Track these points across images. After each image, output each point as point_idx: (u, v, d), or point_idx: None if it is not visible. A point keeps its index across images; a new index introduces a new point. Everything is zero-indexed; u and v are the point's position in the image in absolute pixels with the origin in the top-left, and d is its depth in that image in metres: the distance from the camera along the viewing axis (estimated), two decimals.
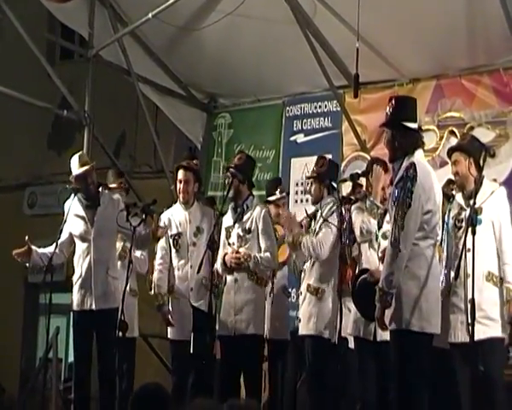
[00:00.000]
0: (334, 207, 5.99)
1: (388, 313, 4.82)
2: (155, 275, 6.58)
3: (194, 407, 2.33)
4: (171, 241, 6.53)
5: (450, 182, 6.00)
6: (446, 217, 5.53)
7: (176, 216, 6.59)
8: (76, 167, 6.43)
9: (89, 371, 6.42)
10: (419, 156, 4.95)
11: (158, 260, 6.58)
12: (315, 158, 6.43)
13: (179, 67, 9.14)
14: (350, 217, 5.83)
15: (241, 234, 6.24)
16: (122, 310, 5.95)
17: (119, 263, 6.70)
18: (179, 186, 6.58)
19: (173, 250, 6.55)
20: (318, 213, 6.08)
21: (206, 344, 5.99)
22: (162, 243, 6.55)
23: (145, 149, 10.04)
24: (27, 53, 8.53)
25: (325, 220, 5.97)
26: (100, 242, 6.40)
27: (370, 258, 5.77)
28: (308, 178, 6.32)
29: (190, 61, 8.89)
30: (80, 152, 6.77)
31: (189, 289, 6.44)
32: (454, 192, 5.66)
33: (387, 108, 5.03)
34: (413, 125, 4.98)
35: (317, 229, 6.03)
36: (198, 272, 6.15)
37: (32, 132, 11.26)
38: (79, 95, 8.48)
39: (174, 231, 6.53)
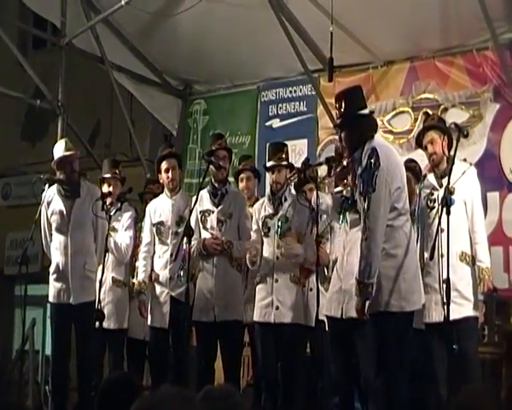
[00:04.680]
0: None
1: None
2: (139, 262, 6.53)
3: (165, 395, 2.25)
4: (154, 229, 6.46)
5: (412, 161, 6.04)
6: (417, 197, 5.55)
7: (160, 204, 6.50)
8: (61, 151, 6.35)
9: (67, 362, 6.37)
10: (378, 139, 4.95)
11: (142, 249, 6.52)
12: (291, 143, 6.38)
13: (153, 54, 9.08)
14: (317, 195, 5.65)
15: (222, 219, 6.18)
16: (98, 299, 5.90)
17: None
18: (166, 175, 6.41)
19: (156, 238, 6.47)
20: (287, 203, 6.03)
21: (184, 333, 5.96)
22: (147, 231, 6.49)
23: (120, 137, 9.96)
24: None
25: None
26: (77, 234, 6.34)
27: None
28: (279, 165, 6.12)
29: (164, 47, 8.83)
30: (65, 139, 6.69)
31: (168, 278, 6.36)
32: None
33: (337, 107, 4.98)
34: (367, 111, 4.99)
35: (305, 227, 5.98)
36: (174, 259, 6.11)
37: (6, 123, 11.14)
38: (53, 84, 8.38)
39: (157, 220, 6.46)
